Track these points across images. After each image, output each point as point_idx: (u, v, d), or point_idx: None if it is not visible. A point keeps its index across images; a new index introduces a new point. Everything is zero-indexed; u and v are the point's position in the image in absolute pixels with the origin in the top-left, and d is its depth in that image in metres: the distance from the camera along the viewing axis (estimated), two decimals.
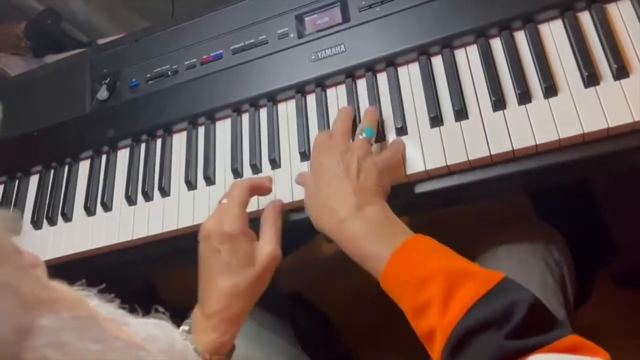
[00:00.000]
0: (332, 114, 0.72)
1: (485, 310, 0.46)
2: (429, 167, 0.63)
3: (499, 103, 0.63)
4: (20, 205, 0.88)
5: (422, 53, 0.70)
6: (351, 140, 0.64)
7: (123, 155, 0.84)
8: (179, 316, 0.87)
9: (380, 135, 0.67)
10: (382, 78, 0.71)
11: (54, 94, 0.91)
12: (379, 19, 0.71)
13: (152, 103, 0.82)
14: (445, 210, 0.83)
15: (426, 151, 0.64)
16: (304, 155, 0.71)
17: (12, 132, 0.91)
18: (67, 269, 0.80)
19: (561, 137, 0.59)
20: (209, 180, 0.75)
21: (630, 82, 0.59)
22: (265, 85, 0.76)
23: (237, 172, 0.74)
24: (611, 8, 0.63)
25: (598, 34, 0.63)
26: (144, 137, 0.83)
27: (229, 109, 0.78)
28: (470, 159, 0.62)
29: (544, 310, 0.48)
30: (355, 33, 0.72)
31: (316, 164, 0.63)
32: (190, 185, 0.76)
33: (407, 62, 0.71)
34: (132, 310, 0.40)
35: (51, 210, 0.84)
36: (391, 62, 0.71)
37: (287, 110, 0.76)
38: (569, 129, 0.59)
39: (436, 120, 0.65)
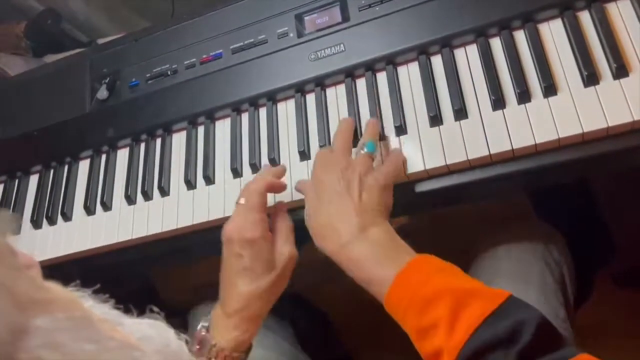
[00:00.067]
0: (332, 114, 0.72)
1: (492, 330, 0.46)
2: (428, 167, 0.63)
3: (498, 102, 0.63)
4: (20, 204, 0.88)
5: (422, 52, 0.70)
6: (352, 154, 0.63)
7: (123, 155, 0.84)
8: (178, 315, 0.87)
9: (380, 135, 0.67)
10: (382, 77, 0.71)
11: (54, 93, 0.91)
12: (379, 18, 0.71)
13: (151, 103, 0.82)
14: (445, 210, 0.82)
15: (426, 150, 0.64)
16: (304, 155, 0.71)
17: (12, 132, 0.91)
18: (66, 269, 0.80)
19: (561, 136, 0.59)
20: (209, 179, 0.75)
21: (629, 81, 0.59)
22: (265, 85, 0.76)
23: (236, 172, 0.74)
24: (611, 7, 0.63)
25: (598, 34, 0.63)
26: (144, 136, 0.83)
27: (229, 108, 0.78)
28: (469, 158, 0.62)
29: (552, 329, 0.47)
30: (354, 32, 0.72)
31: (317, 180, 0.61)
32: (190, 184, 0.76)
33: (406, 62, 0.71)
34: (127, 311, 0.40)
35: (51, 209, 0.84)
36: (391, 62, 0.71)
37: (286, 109, 0.76)
38: (569, 129, 0.59)
39: (436, 119, 0.65)
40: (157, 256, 0.79)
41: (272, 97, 0.76)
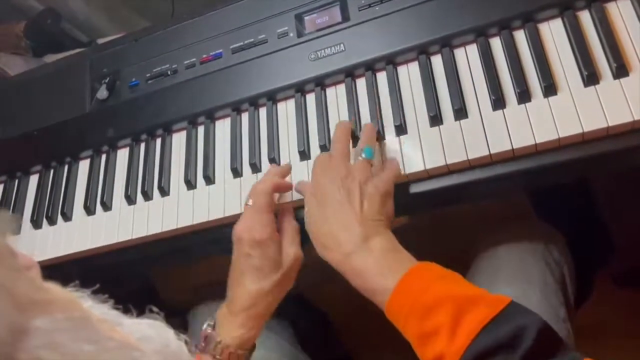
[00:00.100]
0: (332, 113, 0.72)
1: (493, 335, 0.46)
2: (428, 167, 0.63)
3: (498, 102, 0.63)
4: (20, 204, 0.88)
5: (422, 52, 0.70)
6: (351, 160, 0.63)
7: (123, 155, 0.84)
8: (178, 315, 0.87)
9: (379, 135, 0.67)
10: (382, 77, 0.71)
11: (54, 93, 0.91)
12: (379, 18, 0.71)
13: (151, 102, 0.82)
14: (445, 210, 0.82)
15: (426, 150, 0.64)
16: (304, 155, 0.71)
17: (12, 132, 0.91)
18: (66, 269, 0.80)
19: (561, 136, 0.59)
20: (209, 179, 0.75)
21: (629, 81, 0.59)
22: (265, 85, 0.76)
23: (236, 172, 0.74)
24: (611, 7, 0.63)
25: (598, 33, 0.63)
26: (144, 136, 0.83)
27: (229, 108, 0.78)
28: (469, 158, 0.62)
29: (553, 334, 0.48)
30: (354, 32, 0.72)
31: (317, 188, 0.61)
32: (190, 184, 0.76)
33: (406, 61, 0.71)
34: (126, 311, 0.40)
35: (51, 209, 0.84)
36: (391, 61, 0.71)
37: (286, 109, 0.76)
38: (569, 128, 0.59)
39: (436, 119, 0.65)
40: (157, 256, 0.79)
41: (272, 97, 0.76)
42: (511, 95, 0.63)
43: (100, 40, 1.12)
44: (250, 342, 0.63)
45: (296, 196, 0.68)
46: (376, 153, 0.64)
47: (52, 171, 0.88)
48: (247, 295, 0.62)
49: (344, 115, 0.71)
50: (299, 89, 0.75)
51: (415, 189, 0.65)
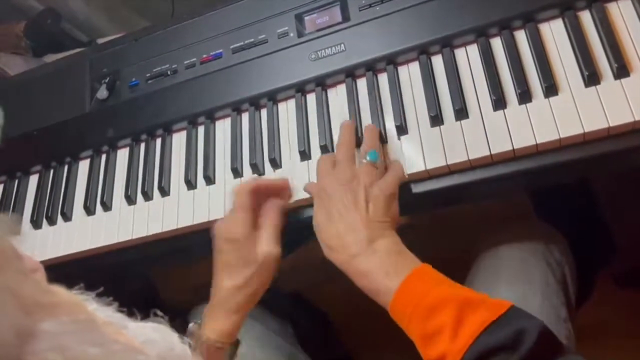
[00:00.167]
0: (333, 114, 0.72)
1: (494, 337, 0.47)
2: (429, 167, 0.63)
3: (499, 102, 0.63)
4: (19, 204, 0.88)
5: (423, 52, 0.69)
6: (356, 163, 0.64)
7: (123, 155, 0.84)
8: (179, 316, 0.87)
9: (381, 136, 0.67)
10: (383, 77, 0.71)
11: (54, 93, 0.91)
12: (379, 18, 0.71)
13: (151, 102, 0.82)
14: (446, 210, 0.82)
15: (426, 150, 0.64)
16: (304, 155, 0.71)
17: (12, 132, 0.91)
18: (66, 269, 0.80)
19: (562, 136, 0.58)
20: (209, 179, 0.75)
21: (630, 81, 0.59)
22: (265, 85, 0.76)
23: (237, 172, 0.74)
24: (611, 7, 0.63)
25: (598, 33, 0.62)
26: (144, 136, 0.83)
27: (229, 108, 0.78)
28: (470, 158, 0.61)
29: (553, 338, 0.49)
30: (355, 32, 0.72)
31: (323, 192, 0.62)
32: (190, 184, 0.76)
33: (407, 62, 0.71)
34: (131, 314, 0.40)
35: (51, 209, 0.84)
36: (391, 61, 0.71)
37: (287, 109, 0.75)
38: (570, 129, 0.58)
39: (436, 119, 0.65)
40: (157, 256, 0.78)
41: (273, 97, 0.76)
42: (512, 96, 0.63)
43: (100, 40, 1.12)
44: (230, 335, 0.64)
45: (296, 197, 0.68)
46: (380, 155, 0.64)
47: (52, 171, 0.88)
48: (222, 290, 0.63)
49: (345, 116, 0.71)
50: (300, 89, 0.75)
51: (416, 189, 0.65)
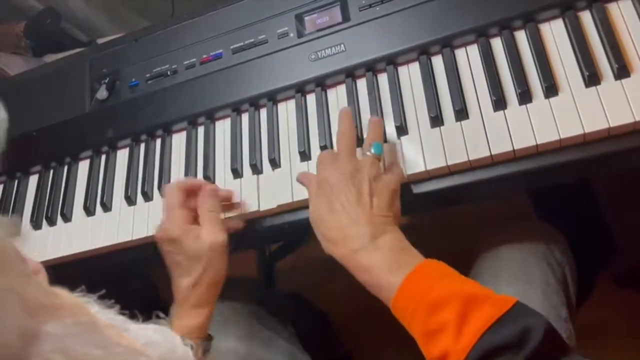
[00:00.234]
0: (333, 114, 0.72)
1: (500, 335, 0.46)
2: (429, 167, 0.63)
3: (499, 103, 0.63)
4: (19, 205, 0.88)
5: (423, 52, 0.69)
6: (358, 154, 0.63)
7: (122, 155, 0.84)
8: None
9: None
10: (383, 78, 0.71)
11: (54, 93, 0.91)
12: (379, 18, 0.71)
13: (151, 103, 0.82)
14: (446, 210, 0.82)
15: (427, 151, 0.64)
16: (304, 155, 0.71)
17: (12, 132, 0.91)
18: (66, 270, 0.80)
19: (562, 137, 0.58)
20: (209, 180, 0.75)
21: (631, 81, 0.59)
22: (265, 85, 0.75)
23: (236, 172, 0.74)
24: (612, 7, 0.63)
25: (599, 34, 0.62)
26: (144, 137, 0.83)
27: (229, 108, 0.78)
28: (470, 159, 0.61)
29: (558, 336, 0.48)
30: (355, 32, 0.72)
31: (325, 184, 0.60)
32: None
33: (407, 62, 0.71)
34: (132, 316, 0.40)
35: (50, 210, 0.84)
36: (391, 62, 0.71)
37: (287, 110, 0.75)
38: (570, 129, 0.58)
39: (437, 120, 0.65)
40: (157, 257, 0.78)
41: (273, 98, 0.76)
42: (512, 96, 0.63)
43: (100, 40, 1.12)
44: (200, 330, 0.64)
45: (297, 197, 0.68)
46: (383, 150, 0.63)
47: (51, 171, 0.88)
48: (179, 289, 0.64)
49: None
50: (300, 90, 0.75)
51: (416, 189, 0.65)
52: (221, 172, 0.76)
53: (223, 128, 0.78)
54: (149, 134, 0.83)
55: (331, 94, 0.74)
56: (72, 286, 0.38)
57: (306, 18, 0.76)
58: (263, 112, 0.77)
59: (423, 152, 0.64)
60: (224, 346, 0.77)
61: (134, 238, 0.76)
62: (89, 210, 0.81)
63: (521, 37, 0.66)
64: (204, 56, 0.80)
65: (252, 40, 0.78)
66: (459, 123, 0.64)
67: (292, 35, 0.76)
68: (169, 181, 0.78)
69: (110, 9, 1.23)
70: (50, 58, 1.15)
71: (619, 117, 0.57)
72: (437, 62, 0.69)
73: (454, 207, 0.73)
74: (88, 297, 0.37)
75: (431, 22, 0.68)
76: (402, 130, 0.67)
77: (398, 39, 0.70)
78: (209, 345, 0.65)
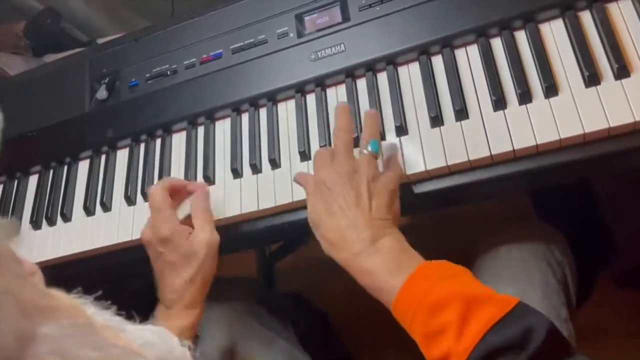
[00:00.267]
0: (332, 114, 0.72)
1: (502, 335, 0.46)
2: (429, 167, 0.63)
3: (499, 103, 0.63)
4: (19, 205, 0.88)
5: (423, 52, 0.69)
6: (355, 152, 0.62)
7: (122, 155, 0.84)
8: None
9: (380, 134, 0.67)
10: (382, 78, 0.71)
11: (53, 93, 0.91)
12: (379, 18, 0.71)
13: (151, 103, 0.82)
14: (446, 210, 0.82)
15: (427, 151, 0.64)
16: (304, 155, 0.71)
17: (12, 132, 0.91)
18: (66, 270, 0.80)
19: (562, 137, 0.58)
20: (209, 180, 0.75)
21: (631, 81, 0.59)
22: (265, 85, 0.75)
23: (236, 172, 0.74)
24: (612, 7, 0.63)
25: (599, 34, 0.62)
26: (144, 136, 0.83)
27: (229, 108, 0.78)
28: (470, 159, 0.61)
29: (560, 336, 0.48)
30: (355, 32, 0.72)
31: (322, 186, 0.59)
32: None
33: (407, 62, 0.71)
34: (129, 317, 0.40)
35: (50, 210, 0.84)
36: (391, 62, 0.71)
37: (286, 110, 0.75)
38: (570, 129, 0.58)
39: (436, 120, 0.65)
40: None
41: (273, 98, 0.76)
42: (512, 96, 0.63)
43: (100, 40, 1.12)
44: (189, 330, 0.65)
45: (296, 197, 0.68)
46: (380, 145, 0.62)
47: (51, 171, 0.88)
48: (172, 289, 0.64)
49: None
50: (299, 90, 0.75)
51: (416, 189, 0.65)
52: (221, 172, 0.76)
53: (223, 128, 0.78)
54: (148, 134, 0.82)
55: (331, 94, 0.74)
56: (71, 286, 0.38)
57: (306, 18, 0.76)
58: (263, 112, 0.77)
59: (423, 152, 0.64)
60: (223, 346, 0.77)
61: (134, 238, 0.76)
62: (88, 210, 0.81)
63: (521, 37, 0.66)
64: (204, 56, 0.80)
65: (252, 40, 0.78)
66: (459, 123, 0.64)
67: (292, 35, 0.76)
68: None
69: (110, 9, 1.23)
70: (50, 58, 1.15)
71: (619, 117, 0.57)
72: (437, 62, 0.69)
73: (454, 207, 0.72)
74: (85, 299, 0.37)
75: (431, 22, 0.68)
76: (402, 130, 0.67)
77: (398, 39, 0.70)
78: (196, 346, 0.65)
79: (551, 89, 0.61)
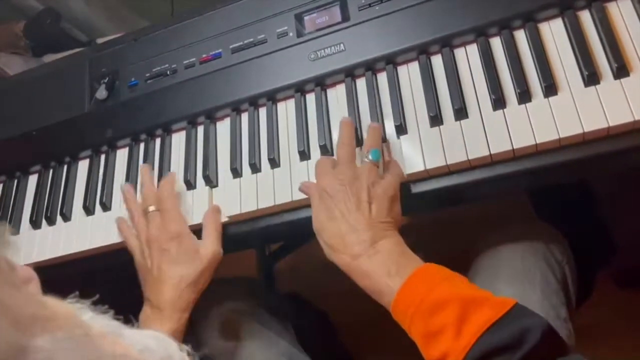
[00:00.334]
0: (332, 114, 0.72)
1: (498, 336, 0.47)
2: (429, 167, 0.63)
3: (498, 102, 0.63)
4: (19, 204, 0.88)
5: (422, 52, 0.69)
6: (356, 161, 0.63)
7: (122, 155, 0.84)
8: None
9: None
10: (382, 77, 0.71)
11: (53, 93, 0.91)
12: (379, 17, 0.71)
13: (151, 102, 0.82)
14: (446, 210, 0.82)
15: (426, 150, 0.64)
16: (303, 155, 0.71)
17: (11, 132, 0.91)
18: (65, 269, 0.80)
19: (561, 136, 0.58)
20: (208, 179, 0.75)
21: (630, 81, 0.59)
22: (265, 85, 0.75)
23: (236, 172, 0.74)
24: (611, 7, 0.63)
25: (598, 33, 0.62)
26: (143, 136, 0.83)
27: (228, 108, 0.78)
28: (470, 158, 0.61)
29: (556, 337, 0.49)
30: (354, 32, 0.72)
31: (324, 193, 0.61)
32: (190, 185, 0.76)
33: (406, 61, 0.71)
34: (127, 321, 0.40)
35: (50, 209, 0.84)
36: (391, 61, 0.71)
37: (286, 109, 0.75)
38: (569, 128, 0.58)
39: (436, 119, 0.65)
40: None
41: (272, 97, 0.76)
42: (511, 95, 0.63)
43: (100, 40, 1.12)
44: (179, 333, 0.65)
45: (296, 196, 0.68)
46: (381, 154, 0.64)
47: (51, 171, 0.88)
48: (170, 287, 0.65)
49: (344, 116, 0.70)
50: (299, 89, 0.75)
51: (415, 189, 0.65)
52: (221, 172, 0.76)
53: (223, 128, 0.78)
54: (148, 133, 0.82)
55: (331, 93, 0.74)
56: (71, 286, 0.37)
57: (306, 18, 0.76)
58: (262, 112, 0.77)
59: (422, 151, 0.64)
60: (223, 346, 0.77)
61: None
62: (88, 210, 0.81)
63: (520, 36, 0.66)
64: (204, 56, 0.80)
65: (252, 39, 0.78)
66: (458, 122, 0.64)
67: (291, 34, 0.76)
68: None
69: (110, 9, 1.22)
70: (50, 58, 1.15)
71: (618, 117, 0.57)
72: (437, 61, 0.69)
73: (453, 206, 0.73)
74: (81, 303, 0.36)
75: (430, 22, 0.68)
76: (401, 129, 0.67)
77: (397, 39, 0.70)
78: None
79: (550, 89, 0.61)
